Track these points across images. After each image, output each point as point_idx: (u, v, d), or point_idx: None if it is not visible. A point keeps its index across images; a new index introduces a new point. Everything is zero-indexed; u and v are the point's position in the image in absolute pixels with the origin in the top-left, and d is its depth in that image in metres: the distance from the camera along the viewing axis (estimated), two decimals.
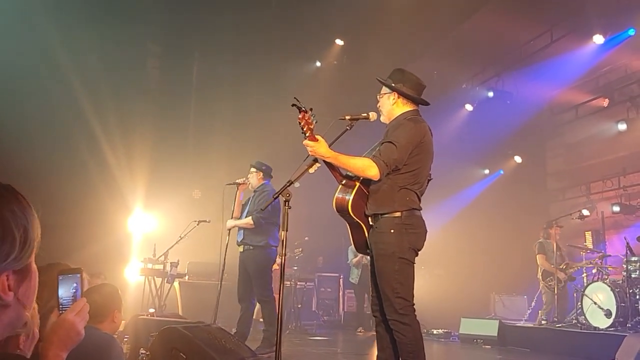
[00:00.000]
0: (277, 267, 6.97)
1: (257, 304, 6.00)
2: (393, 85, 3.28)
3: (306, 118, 2.98)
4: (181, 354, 3.82)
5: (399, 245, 3.02)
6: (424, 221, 3.14)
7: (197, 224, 7.42)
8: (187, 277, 8.30)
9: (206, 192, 9.76)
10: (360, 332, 9.50)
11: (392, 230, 3.02)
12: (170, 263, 7.63)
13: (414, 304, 3.04)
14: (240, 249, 5.90)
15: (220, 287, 5.69)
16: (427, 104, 3.33)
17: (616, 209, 10.16)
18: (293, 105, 2.97)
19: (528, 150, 12.08)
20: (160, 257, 7.62)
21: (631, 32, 8.67)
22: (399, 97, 3.27)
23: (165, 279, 7.64)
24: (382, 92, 3.35)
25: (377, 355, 3.23)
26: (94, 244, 7.68)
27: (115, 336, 3.20)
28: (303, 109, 2.98)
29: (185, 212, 8.78)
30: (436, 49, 10.11)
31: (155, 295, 7.56)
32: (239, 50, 10.25)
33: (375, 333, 9.34)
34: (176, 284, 8.23)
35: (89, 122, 8.61)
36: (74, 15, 8.23)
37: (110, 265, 8.16)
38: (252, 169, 6.08)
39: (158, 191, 9.46)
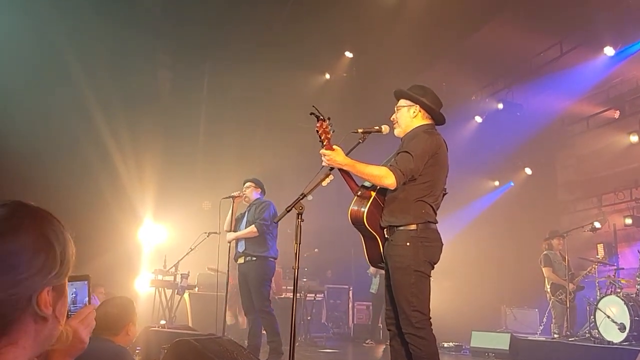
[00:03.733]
0: None
1: None
2: (418, 97, 3.28)
3: (324, 127, 2.99)
4: None
5: (414, 258, 3.01)
6: (439, 234, 3.13)
7: (207, 236, 7.43)
8: (197, 288, 8.29)
9: (216, 203, 9.78)
10: (367, 343, 9.44)
11: (407, 243, 3.01)
12: (181, 274, 7.63)
13: (430, 318, 3.02)
14: (241, 260, 5.86)
15: (226, 299, 5.69)
16: (444, 121, 3.34)
17: (628, 221, 10.06)
18: (311, 113, 2.98)
19: (538, 161, 12.02)
20: (170, 268, 7.63)
21: None
22: (420, 110, 3.28)
23: (176, 291, 7.64)
24: (400, 105, 3.35)
25: None
26: (104, 255, 7.72)
27: (128, 348, 3.21)
28: (321, 117, 2.99)
29: (195, 224, 8.80)
30: (445, 60, 10.13)
31: (166, 307, 7.56)
32: (249, 62, 10.32)
33: (386, 346, 9.28)
34: (186, 295, 8.23)
35: (100, 133, 8.70)
36: (85, 26, 8.35)
37: (121, 276, 8.20)
38: (249, 183, 6.12)
39: (168, 202, 9.50)
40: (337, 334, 10.63)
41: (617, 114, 10.55)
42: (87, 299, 1.47)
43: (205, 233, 7.52)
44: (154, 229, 9.50)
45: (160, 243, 9.34)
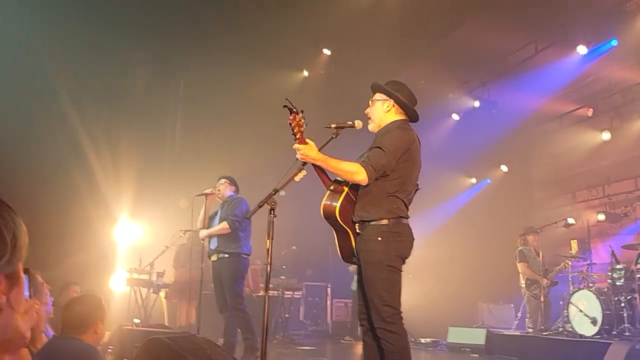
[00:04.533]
0: None
1: None
2: (392, 91, 3.28)
3: (297, 120, 2.97)
4: None
5: (386, 253, 3.01)
6: (411, 229, 3.14)
7: (184, 233, 7.38)
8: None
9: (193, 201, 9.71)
10: (346, 340, 9.47)
11: (379, 238, 3.02)
12: (157, 273, 7.56)
13: (401, 312, 3.04)
14: (214, 257, 5.83)
15: (200, 297, 5.66)
16: (417, 119, 3.35)
17: (601, 217, 10.27)
18: (285, 106, 2.96)
19: (514, 159, 12.17)
20: (146, 267, 7.55)
21: (614, 42, 8.81)
22: (394, 105, 3.29)
23: (151, 289, 7.57)
24: (375, 98, 3.36)
25: None
26: (79, 253, 7.62)
27: (99, 347, 3.16)
28: (294, 110, 2.96)
29: (171, 222, 8.73)
30: (423, 58, 10.19)
31: (141, 306, 7.49)
32: (226, 60, 10.25)
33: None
34: (162, 294, 8.16)
35: (75, 131, 8.56)
36: (59, 22, 8.20)
37: (96, 275, 8.10)
38: (223, 180, 6.09)
39: (144, 200, 9.40)
40: (315, 331, 10.64)
41: (590, 112, 10.75)
42: (27, 292, 1.42)
43: (182, 231, 7.47)
44: (129, 227, 9.39)
45: (135, 241, 9.23)
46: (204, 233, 5.87)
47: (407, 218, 3.13)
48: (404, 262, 3.10)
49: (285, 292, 9.52)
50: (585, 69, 9.66)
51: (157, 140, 10.30)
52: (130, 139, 9.29)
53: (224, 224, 5.72)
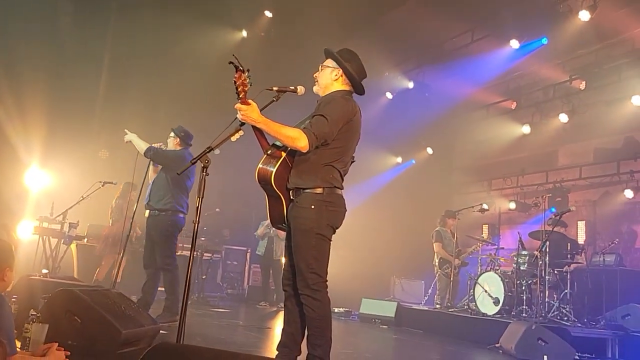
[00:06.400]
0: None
1: None
2: (343, 61, 3.24)
3: (242, 79, 2.86)
4: (76, 318, 3.62)
5: (317, 222, 3.02)
6: (344, 200, 3.16)
7: (102, 185, 7.06)
8: (86, 239, 7.88)
9: (114, 153, 9.30)
10: (262, 305, 9.55)
11: (312, 206, 3.02)
12: (70, 224, 7.21)
13: (326, 281, 3.07)
14: (147, 213, 5.68)
15: (124, 251, 5.47)
16: (363, 92, 3.34)
17: (512, 205, 10.90)
18: (230, 62, 2.84)
19: (440, 143, 12.59)
20: (58, 216, 7.18)
21: (544, 40, 9.22)
22: (342, 75, 3.26)
23: (62, 240, 7.22)
24: (326, 64, 3.31)
25: (283, 329, 3.23)
26: None
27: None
28: (240, 68, 2.85)
29: (89, 172, 8.33)
30: (363, 33, 10.17)
31: (50, 257, 7.13)
32: (161, 9, 9.76)
33: (279, 307, 9.39)
34: (73, 246, 7.81)
35: None
36: None
37: (2, 221, 7.59)
38: (171, 134, 5.86)
39: (58, 147, 8.87)
40: (231, 294, 10.63)
41: (514, 105, 11.28)
42: None
43: (100, 182, 7.15)
44: (40, 174, 8.85)
45: (49, 190, 8.73)
46: (128, 137, 5.63)
47: (341, 189, 3.15)
48: (334, 232, 3.12)
49: (205, 254, 9.41)
50: (514, 64, 10.08)
51: (78, 88, 9.66)
52: (41, 82, 8.62)
53: (144, 146, 5.54)
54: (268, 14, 10.81)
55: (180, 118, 8.58)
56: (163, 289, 5.68)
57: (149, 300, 5.52)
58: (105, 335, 3.54)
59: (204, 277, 9.21)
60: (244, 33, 11.38)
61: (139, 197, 5.68)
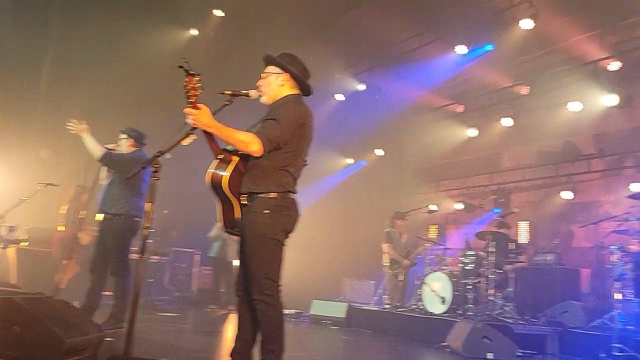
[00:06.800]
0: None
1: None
2: (287, 65, 3.23)
3: (193, 83, 2.81)
4: (15, 327, 3.46)
5: (271, 226, 3.00)
6: (297, 204, 3.15)
7: (45, 187, 6.78)
8: (28, 243, 7.54)
9: (56, 154, 8.95)
10: (211, 308, 9.41)
11: (266, 211, 2.99)
12: (9, 227, 6.88)
13: (280, 286, 3.06)
14: (100, 217, 5.47)
15: (72, 256, 5.26)
16: (311, 93, 3.33)
17: (459, 206, 11.20)
18: (180, 66, 2.77)
19: (390, 145, 12.79)
20: None
21: (489, 47, 9.53)
22: (288, 80, 3.24)
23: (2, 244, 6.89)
24: (268, 71, 3.27)
25: (237, 335, 3.20)
26: None
27: None
28: (191, 72, 2.80)
29: (29, 173, 7.98)
30: (315, 35, 10.22)
31: None
32: (106, 5, 9.46)
33: (228, 310, 9.25)
34: (11, 250, 7.46)
35: None
36: None
37: None
38: (122, 135, 5.63)
39: None
40: (179, 297, 10.42)
41: (460, 109, 11.60)
42: None
43: (42, 184, 6.86)
44: None
45: None
46: (82, 135, 5.32)
47: (295, 193, 3.14)
48: (287, 237, 3.12)
49: (152, 257, 9.19)
50: (461, 68, 10.36)
51: (17, 85, 9.24)
52: None
53: (98, 152, 5.28)
54: (219, 13, 10.66)
55: (129, 118, 8.35)
56: (109, 294, 5.50)
57: (94, 307, 5.33)
58: (48, 344, 3.40)
59: (151, 280, 8.99)
60: (194, 32, 11.19)
61: (89, 200, 5.44)
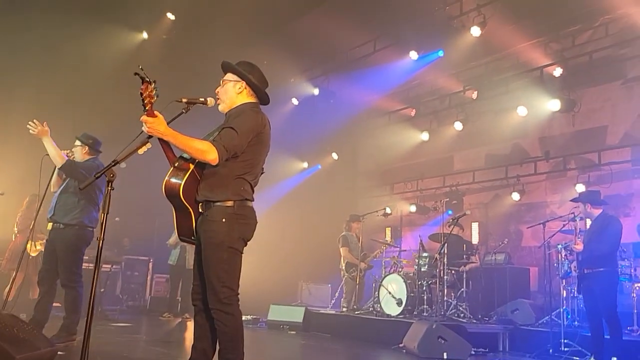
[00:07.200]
0: None
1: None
2: (245, 73, 3.21)
3: (149, 90, 2.76)
4: None
5: (229, 235, 2.98)
6: (255, 212, 3.14)
7: (2, 194, 6.50)
8: None
9: (2, 161, 8.59)
10: (166, 317, 9.23)
11: (223, 219, 2.97)
12: None
13: (238, 294, 3.04)
14: (49, 226, 5.27)
15: (19, 267, 5.05)
16: (268, 102, 3.33)
17: (413, 208, 11.39)
18: (136, 74, 2.72)
19: (344, 148, 12.91)
20: None
21: (440, 53, 9.79)
22: (246, 87, 3.23)
23: None
24: (226, 79, 3.26)
25: (193, 345, 3.15)
26: None
27: None
28: (147, 80, 2.74)
29: None
30: (270, 39, 10.20)
31: None
32: (50, 5, 9.13)
33: (184, 318, 9.09)
34: None
35: None
36: None
37: None
38: (77, 142, 5.44)
39: None
40: (132, 307, 10.18)
41: (413, 113, 11.84)
42: None
43: None
44: None
45: None
46: (43, 138, 5.09)
47: (252, 201, 3.13)
48: (245, 245, 3.10)
49: (103, 265, 8.93)
50: (414, 74, 10.59)
51: None
52: None
53: (60, 160, 5.09)
54: (170, 16, 10.50)
55: (79, 125, 8.11)
56: (59, 305, 5.31)
57: (43, 320, 5.13)
58: None
59: (102, 290, 8.74)
60: (145, 35, 10.97)
61: (39, 208, 5.20)
